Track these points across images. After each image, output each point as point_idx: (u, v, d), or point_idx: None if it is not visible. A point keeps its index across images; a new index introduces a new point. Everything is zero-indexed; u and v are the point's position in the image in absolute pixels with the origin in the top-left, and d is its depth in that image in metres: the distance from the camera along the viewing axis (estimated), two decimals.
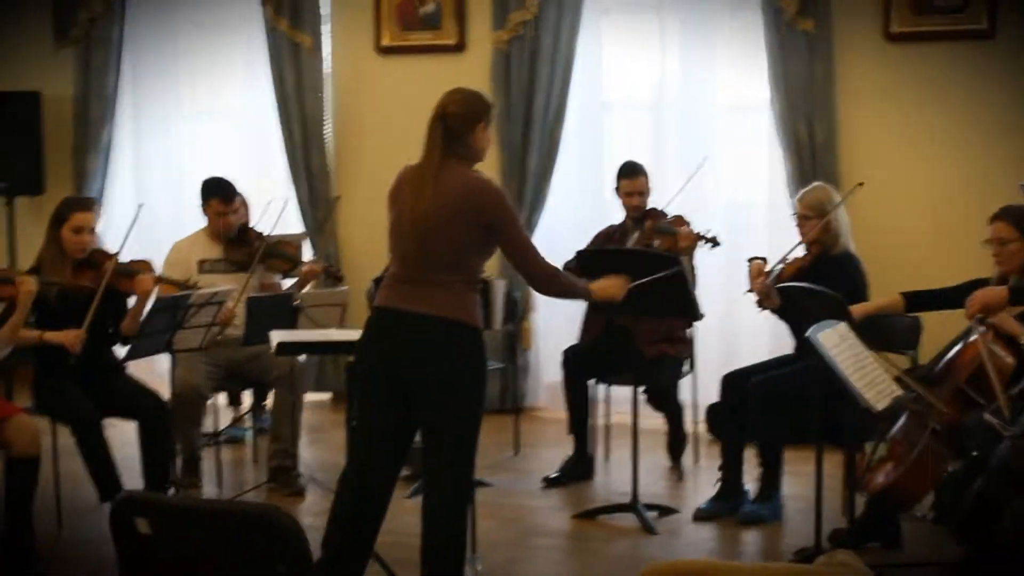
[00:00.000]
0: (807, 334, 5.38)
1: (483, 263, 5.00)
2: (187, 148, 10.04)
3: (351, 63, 9.71)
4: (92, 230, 6.62)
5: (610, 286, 5.53)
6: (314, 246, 9.66)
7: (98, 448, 6.45)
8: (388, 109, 9.61)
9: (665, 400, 7.61)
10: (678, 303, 6.72)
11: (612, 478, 7.68)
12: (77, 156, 10.14)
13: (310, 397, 8.44)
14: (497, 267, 8.65)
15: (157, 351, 6.48)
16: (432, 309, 4.83)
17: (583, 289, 5.39)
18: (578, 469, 7.61)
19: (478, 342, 4.93)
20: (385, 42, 9.60)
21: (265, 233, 7.54)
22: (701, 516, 6.81)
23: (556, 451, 7.88)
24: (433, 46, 9.51)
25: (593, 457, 7.70)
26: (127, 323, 6.57)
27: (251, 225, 7.93)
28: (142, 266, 6.72)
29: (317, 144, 9.61)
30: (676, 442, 7.83)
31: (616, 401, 8.00)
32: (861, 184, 6.89)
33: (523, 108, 9.18)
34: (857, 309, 6.13)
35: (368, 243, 9.17)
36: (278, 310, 6.91)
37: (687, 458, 7.91)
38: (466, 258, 4.89)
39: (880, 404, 5.26)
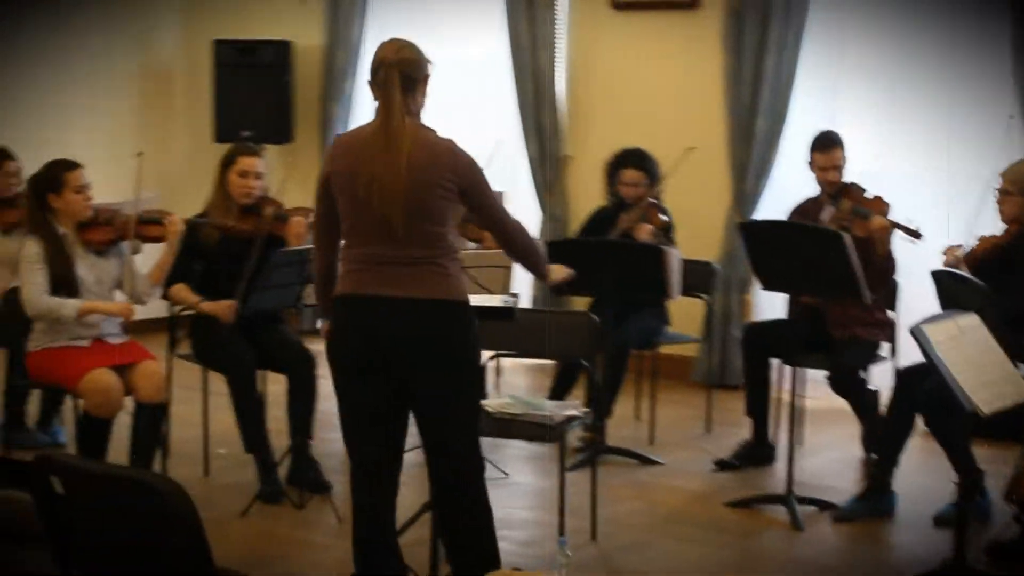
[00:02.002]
0: (911, 327, 4.88)
1: (453, 231, 4.59)
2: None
3: (586, 18, 9.44)
4: (258, 175, 6.60)
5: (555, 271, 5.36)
6: (542, 205, 9.47)
7: (248, 398, 6.46)
8: (620, 66, 9.35)
9: (848, 385, 7.09)
10: (842, 283, 6.24)
11: (795, 466, 7.21)
12: (324, 105, 10.24)
13: None
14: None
15: (285, 305, 6.40)
16: (421, 291, 4.46)
17: (543, 265, 5.05)
18: (755, 453, 7.21)
19: (471, 319, 4.59)
20: None
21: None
22: (842, 517, 6.34)
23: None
24: (668, 2, 9.18)
25: (774, 442, 7.26)
26: (155, 273, 6.44)
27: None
28: (298, 212, 6.65)
29: (548, 101, 9.39)
30: (867, 431, 7.30)
31: (809, 384, 7.52)
32: None
33: (752, 70, 8.73)
34: None
35: (598, 204, 8.90)
36: None
37: None
38: (444, 229, 4.49)
39: (990, 407, 4.73)
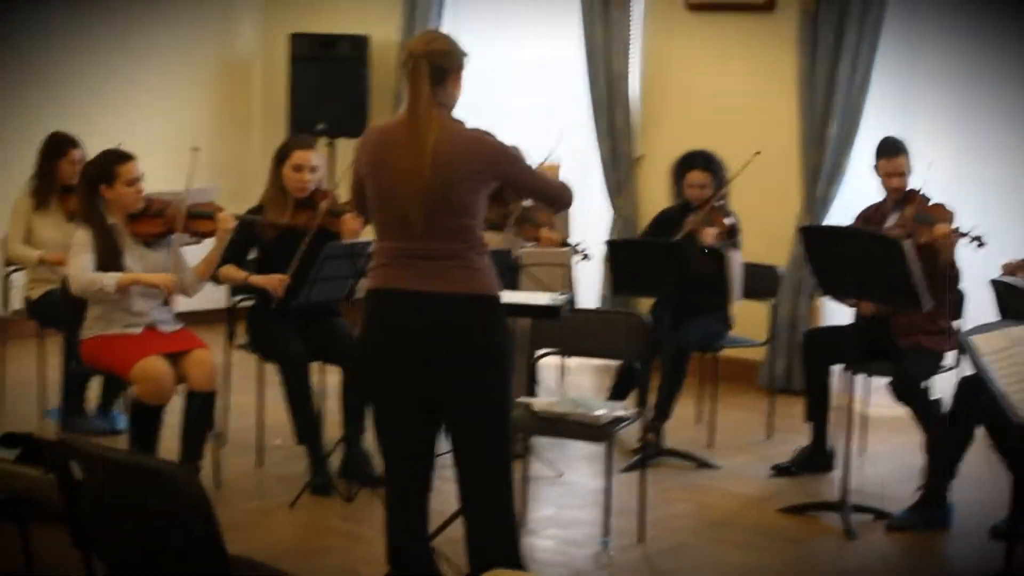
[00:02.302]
0: (960, 335, 4.79)
1: (481, 223, 4.50)
2: (500, 97, 9.98)
3: (661, 19, 9.38)
4: (313, 169, 6.61)
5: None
6: (613, 206, 9.43)
7: (299, 390, 6.48)
8: (694, 68, 9.30)
9: (911, 394, 6.98)
10: (900, 290, 6.14)
11: (855, 474, 7.11)
12: (399, 100, 10.26)
13: None
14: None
15: (335, 298, 6.40)
16: (450, 286, 4.36)
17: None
18: (814, 460, 7.12)
19: (499, 314, 4.48)
20: None
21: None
22: (895, 526, 6.24)
23: None
24: (743, 4, 9.08)
25: (833, 449, 7.16)
26: (201, 267, 6.44)
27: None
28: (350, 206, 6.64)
29: (621, 102, 9.35)
30: (929, 441, 7.17)
31: (876, 391, 7.43)
32: None
33: (826, 73, 8.62)
34: None
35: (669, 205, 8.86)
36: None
37: None
38: (471, 222, 4.40)
39: None
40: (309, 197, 6.61)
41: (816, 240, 6.48)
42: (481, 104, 9.88)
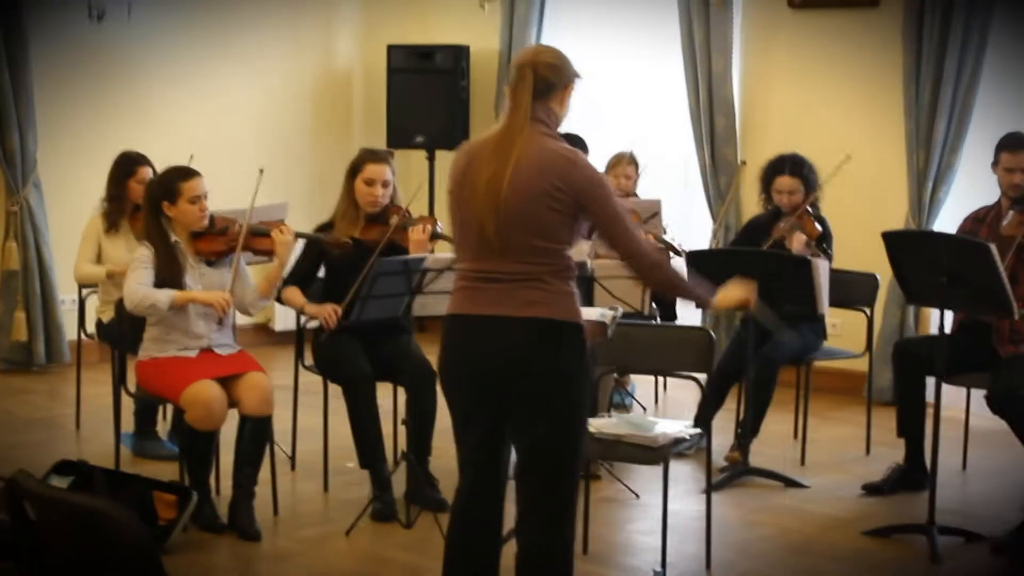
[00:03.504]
0: None
1: (571, 248, 4.27)
2: (599, 104, 9.72)
3: (762, 19, 9.04)
4: (385, 183, 6.41)
5: (733, 294, 4.76)
6: (713, 215, 9.11)
7: (363, 412, 6.29)
8: (798, 68, 8.95)
9: (1010, 407, 6.54)
10: (988, 296, 5.76)
11: (955, 493, 6.73)
12: (498, 111, 10.05)
13: None
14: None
15: (391, 316, 6.17)
16: (522, 309, 4.15)
17: (697, 294, 4.65)
18: (908, 478, 6.72)
19: (580, 341, 4.24)
20: None
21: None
22: (997, 548, 5.84)
23: None
24: (846, 0, 8.68)
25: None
26: (263, 286, 6.28)
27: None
28: (425, 221, 6.44)
29: (722, 106, 9.01)
30: None
31: (979, 405, 7.00)
32: None
33: (933, 69, 8.20)
34: None
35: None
36: None
37: None
38: (555, 242, 4.17)
39: None
40: (381, 212, 6.42)
41: (899, 245, 6.11)
42: (581, 107, 9.73)
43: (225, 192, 6.56)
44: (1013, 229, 6.49)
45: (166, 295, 5.90)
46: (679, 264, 6.71)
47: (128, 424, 7.20)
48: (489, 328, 4.19)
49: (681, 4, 9.09)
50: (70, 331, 8.38)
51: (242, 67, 10.11)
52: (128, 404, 7.00)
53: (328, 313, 6.26)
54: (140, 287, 5.92)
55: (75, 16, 9.25)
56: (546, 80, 4.19)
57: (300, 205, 6.44)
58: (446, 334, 4.33)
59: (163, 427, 7.35)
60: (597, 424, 5.50)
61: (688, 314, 8.75)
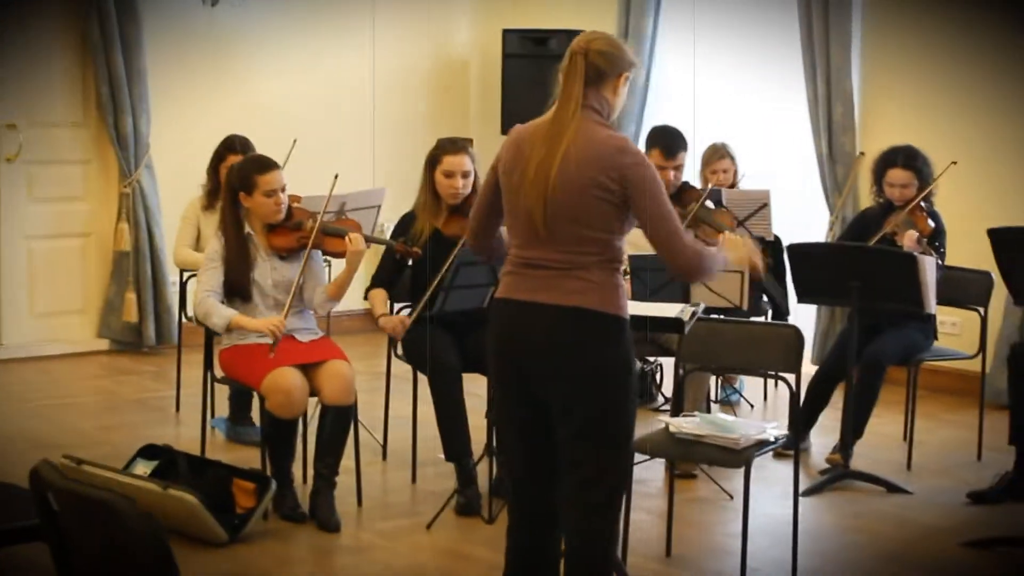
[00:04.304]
0: None
1: (622, 239, 4.15)
2: (718, 93, 9.54)
3: (883, 5, 8.73)
4: (466, 174, 6.27)
5: (734, 246, 4.88)
6: (830, 208, 8.85)
7: (449, 404, 6.17)
8: (918, 57, 8.61)
9: None
10: None
11: None
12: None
13: None
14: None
15: (473, 307, 6.04)
16: (563, 298, 4.06)
17: (721, 257, 4.41)
18: (1016, 487, 6.41)
19: (622, 334, 4.13)
20: None
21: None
22: None
23: None
24: None
25: None
26: (331, 289, 6.15)
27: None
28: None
29: (841, 95, 8.73)
30: None
31: None
32: None
33: None
34: None
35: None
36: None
37: None
38: (604, 232, 4.07)
39: None
40: (463, 203, 6.28)
41: (1006, 242, 5.85)
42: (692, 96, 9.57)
43: (343, 182, 6.40)
44: None
45: (223, 319, 5.89)
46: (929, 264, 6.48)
47: (223, 409, 7.20)
48: (530, 314, 4.11)
49: None
50: None
51: (356, 54, 10.09)
52: (224, 389, 6.99)
53: (395, 326, 6.20)
54: (206, 297, 5.92)
55: (189, 1, 9.28)
56: (597, 67, 4.10)
57: (415, 194, 6.34)
58: (492, 321, 4.28)
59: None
60: (678, 424, 5.32)
61: (803, 312, 8.54)
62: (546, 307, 4.09)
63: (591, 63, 4.09)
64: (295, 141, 6.12)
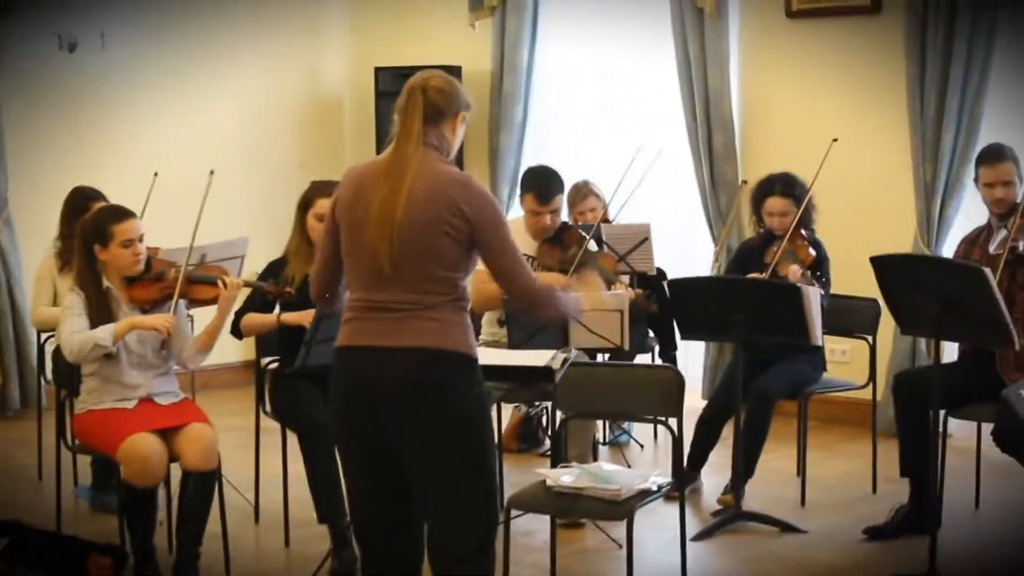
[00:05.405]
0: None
1: (467, 279, 4.04)
2: (593, 123, 9.33)
3: (759, 29, 8.60)
4: None
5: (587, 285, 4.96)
6: (714, 238, 8.66)
7: (320, 462, 5.85)
8: (797, 81, 8.50)
9: (1014, 442, 6.05)
10: (986, 325, 5.33)
11: (964, 534, 6.25)
12: (493, 133, 9.65)
13: None
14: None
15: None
16: (415, 339, 3.93)
17: (574, 296, 4.37)
18: (913, 520, 6.21)
19: (475, 373, 4.01)
20: (796, 5, 8.41)
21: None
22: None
23: None
24: (847, 7, 8.26)
25: (939, 505, 6.25)
26: (202, 339, 5.85)
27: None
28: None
29: (720, 121, 8.56)
30: None
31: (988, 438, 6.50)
32: None
33: (939, 80, 7.75)
34: None
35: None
36: None
37: None
38: (451, 271, 3.97)
39: None
40: None
41: (888, 270, 5.67)
42: (573, 128, 9.35)
43: (208, 225, 6.08)
44: (1000, 247, 6.04)
45: (105, 330, 5.52)
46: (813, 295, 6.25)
47: (87, 476, 6.85)
48: (380, 359, 3.98)
49: (675, 18, 8.65)
50: None
51: (224, 94, 9.80)
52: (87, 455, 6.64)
53: (308, 318, 5.80)
54: (76, 334, 5.53)
55: (45, 48, 8.92)
56: (436, 105, 4.04)
57: (287, 237, 6.06)
58: (336, 370, 4.10)
59: None
60: (556, 476, 5.06)
61: (692, 345, 8.36)
62: (397, 350, 3.95)
63: (430, 100, 4.01)
64: (212, 172, 5.78)
